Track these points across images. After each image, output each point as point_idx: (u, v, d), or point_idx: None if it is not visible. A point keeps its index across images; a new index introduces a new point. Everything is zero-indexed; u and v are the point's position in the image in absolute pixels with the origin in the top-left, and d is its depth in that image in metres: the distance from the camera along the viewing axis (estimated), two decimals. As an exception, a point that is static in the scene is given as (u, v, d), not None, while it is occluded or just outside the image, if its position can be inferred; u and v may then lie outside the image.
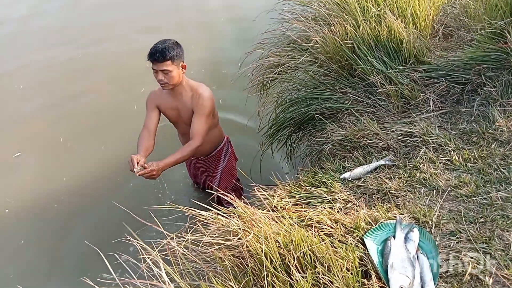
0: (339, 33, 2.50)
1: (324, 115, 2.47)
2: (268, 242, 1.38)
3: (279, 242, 1.42)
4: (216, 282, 1.35)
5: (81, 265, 2.66)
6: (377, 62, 2.39)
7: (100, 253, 1.46)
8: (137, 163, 2.07)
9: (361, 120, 2.24)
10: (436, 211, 1.59)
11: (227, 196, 1.67)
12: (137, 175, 2.06)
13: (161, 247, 1.48)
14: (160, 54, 2.11)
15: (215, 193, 1.95)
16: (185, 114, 2.40)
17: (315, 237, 1.48)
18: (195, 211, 1.60)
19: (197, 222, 1.58)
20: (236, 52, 3.80)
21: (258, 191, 1.80)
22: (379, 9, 2.59)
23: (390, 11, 2.57)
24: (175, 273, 1.36)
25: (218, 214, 1.58)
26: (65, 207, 3.22)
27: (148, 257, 1.38)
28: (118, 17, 5.84)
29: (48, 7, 6.29)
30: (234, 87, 3.94)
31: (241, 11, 5.46)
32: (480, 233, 1.46)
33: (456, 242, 1.45)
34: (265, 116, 3.00)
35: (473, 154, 1.83)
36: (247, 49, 3.28)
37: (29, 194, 3.33)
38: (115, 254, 1.48)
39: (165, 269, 1.33)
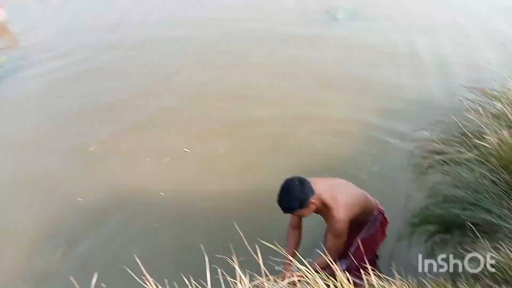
0: (523, 140, 2.15)
1: (478, 227, 2.13)
2: None
3: None
4: None
5: (180, 265, 2.67)
6: None
7: (207, 263, 1.58)
8: None
9: (525, 250, 1.84)
10: None
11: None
12: None
13: (254, 284, 1.55)
14: (286, 211, 2.12)
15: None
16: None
17: None
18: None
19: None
20: (403, 124, 3.64)
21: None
22: None
23: None
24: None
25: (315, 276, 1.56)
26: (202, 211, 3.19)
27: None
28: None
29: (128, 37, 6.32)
30: (390, 159, 3.71)
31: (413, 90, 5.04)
32: None
33: None
34: (413, 202, 2.77)
35: None
36: (413, 126, 3.12)
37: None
38: (217, 267, 1.62)
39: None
